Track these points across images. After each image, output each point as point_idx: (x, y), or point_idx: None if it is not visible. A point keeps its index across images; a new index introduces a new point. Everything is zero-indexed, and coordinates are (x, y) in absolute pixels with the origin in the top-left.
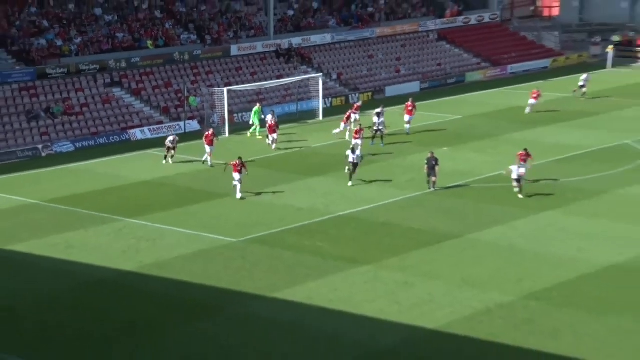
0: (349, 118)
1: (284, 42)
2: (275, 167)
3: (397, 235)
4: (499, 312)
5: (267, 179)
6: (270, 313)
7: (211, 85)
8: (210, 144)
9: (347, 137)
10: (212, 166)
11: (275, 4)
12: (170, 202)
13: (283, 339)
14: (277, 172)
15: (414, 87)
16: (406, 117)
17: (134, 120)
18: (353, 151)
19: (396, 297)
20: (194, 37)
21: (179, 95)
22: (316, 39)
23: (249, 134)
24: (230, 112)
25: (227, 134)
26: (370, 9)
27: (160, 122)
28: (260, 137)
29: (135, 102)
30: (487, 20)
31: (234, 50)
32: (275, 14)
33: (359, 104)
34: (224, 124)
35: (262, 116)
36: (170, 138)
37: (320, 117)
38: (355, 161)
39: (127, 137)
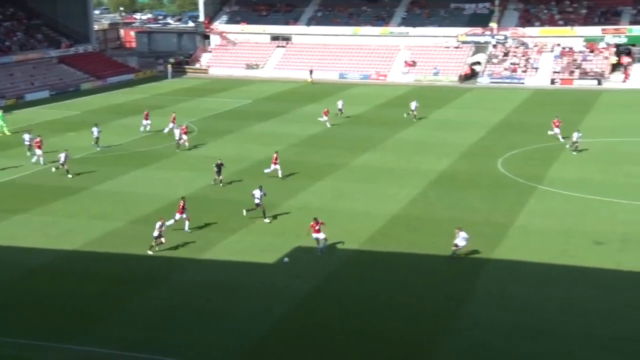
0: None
1: None
2: None
3: (44, 191)
4: (114, 233)
5: None
6: None
7: None
8: None
9: None
10: None
11: None
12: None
13: None
14: None
15: (45, 94)
16: None
17: None
18: None
19: (46, 231)
20: None
21: None
22: None
23: None
24: None
25: None
26: (7, 43)
27: None
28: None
29: None
30: (90, 50)
31: None
32: None
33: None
34: None
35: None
36: None
37: None
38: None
39: None
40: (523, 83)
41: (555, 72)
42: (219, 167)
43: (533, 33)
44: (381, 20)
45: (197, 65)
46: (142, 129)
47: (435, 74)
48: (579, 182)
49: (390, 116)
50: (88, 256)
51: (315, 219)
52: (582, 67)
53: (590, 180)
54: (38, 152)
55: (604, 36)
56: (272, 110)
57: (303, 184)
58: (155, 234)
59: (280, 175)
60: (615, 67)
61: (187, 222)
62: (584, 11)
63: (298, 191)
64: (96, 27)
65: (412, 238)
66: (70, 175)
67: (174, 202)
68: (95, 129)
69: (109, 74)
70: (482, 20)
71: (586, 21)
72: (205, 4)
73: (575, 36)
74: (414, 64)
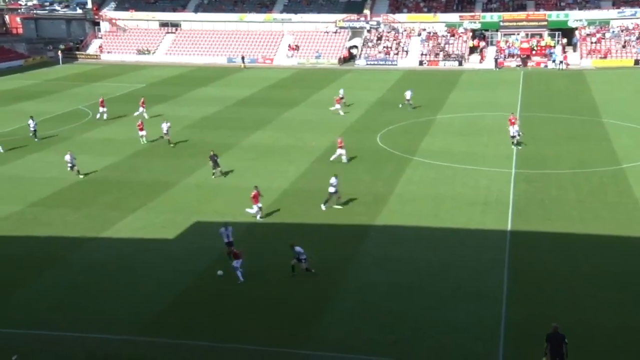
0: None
1: None
2: None
3: None
4: (12, 216)
5: None
6: None
7: None
8: None
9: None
10: None
11: None
12: None
13: None
14: None
15: None
16: None
17: None
18: None
19: None
20: None
21: None
22: None
23: None
24: None
25: None
26: None
27: None
28: None
29: None
30: None
31: None
32: None
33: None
34: None
35: None
36: None
37: None
38: None
39: None
40: (396, 64)
41: (423, 55)
42: (213, 158)
43: (402, 19)
44: (265, 7)
45: (89, 52)
46: (97, 116)
47: (317, 57)
48: (447, 153)
49: (277, 97)
50: None
51: (255, 187)
52: (446, 50)
53: (456, 151)
54: None
55: (462, 22)
56: (164, 93)
57: (199, 162)
58: None
59: (345, 160)
60: (473, 50)
61: None
62: None
63: (194, 170)
64: None
65: (301, 210)
66: None
67: (72, 184)
68: (31, 122)
69: None
70: (357, 7)
71: (446, 8)
72: None
73: (438, 22)
74: (297, 48)
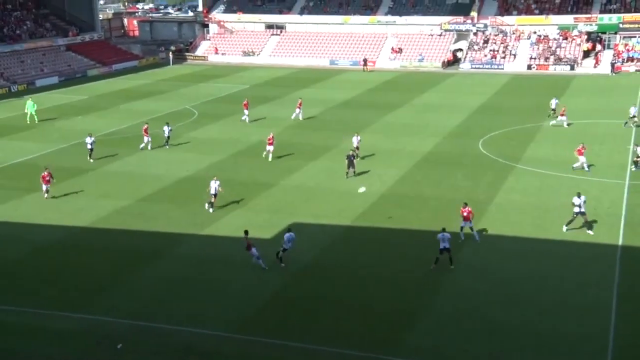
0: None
1: None
2: None
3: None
4: (121, 210)
5: None
6: None
7: None
8: None
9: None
10: None
11: None
12: None
13: None
14: None
15: (54, 80)
16: None
17: None
18: None
19: (59, 208)
20: None
21: None
22: None
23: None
24: None
25: None
26: (17, 32)
27: None
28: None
29: None
30: (95, 38)
31: None
32: None
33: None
34: None
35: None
36: None
37: None
38: None
39: None
40: (502, 68)
41: (531, 58)
42: (350, 158)
43: (511, 21)
44: (369, 9)
45: (197, 53)
46: (243, 118)
47: (420, 60)
48: (553, 161)
49: (379, 100)
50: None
51: None
52: (557, 53)
53: (563, 159)
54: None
55: (576, 24)
56: (268, 94)
57: (299, 163)
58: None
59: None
60: (587, 54)
61: None
62: (557, 1)
63: (293, 170)
64: (101, 16)
65: (400, 214)
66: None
67: (177, 181)
68: (166, 128)
69: (114, 60)
70: (464, 9)
71: (560, 10)
72: None
73: (550, 24)
74: (400, 50)
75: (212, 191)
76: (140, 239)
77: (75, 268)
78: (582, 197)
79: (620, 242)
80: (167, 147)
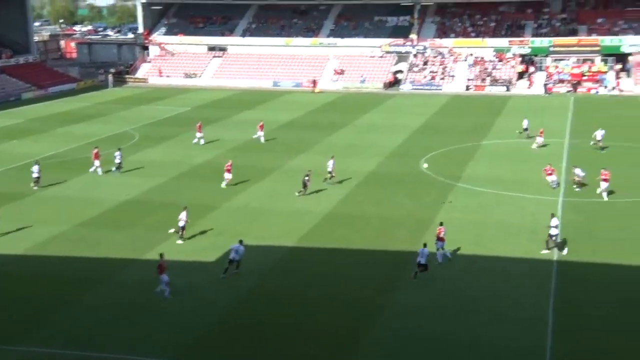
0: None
1: None
2: None
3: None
4: (59, 236)
5: None
6: None
7: None
8: None
9: None
10: None
11: None
12: None
13: None
14: None
15: None
16: None
17: None
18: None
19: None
20: None
21: None
22: None
23: None
24: None
25: None
26: None
27: None
28: None
29: None
30: (31, 60)
31: None
32: None
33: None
34: None
35: None
36: None
37: None
38: None
39: None
40: (441, 89)
41: (469, 80)
42: (304, 180)
43: (449, 44)
44: (311, 31)
45: (137, 75)
46: (194, 141)
47: (362, 81)
48: (491, 180)
49: (322, 121)
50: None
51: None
52: (493, 75)
53: (501, 177)
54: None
55: (510, 47)
56: (211, 116)
57: (243, 185)
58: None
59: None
60: (521, 75)
61: None
62: (492, 24)
63: (237, 192)
64: (36, 38)
65: (344, 234)
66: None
67: (118, 205)
68: (117, 153)
69: (50, 83)
70: (403, 31)
71: (495, 33)
72: (144, 17)
73: (485, 47)
74: (342, 72)
75: (181, 223)
76: (79, 265)
77: (8, 297)
78: (557, 220)
79: (555, 258)
80: (119, 172)
